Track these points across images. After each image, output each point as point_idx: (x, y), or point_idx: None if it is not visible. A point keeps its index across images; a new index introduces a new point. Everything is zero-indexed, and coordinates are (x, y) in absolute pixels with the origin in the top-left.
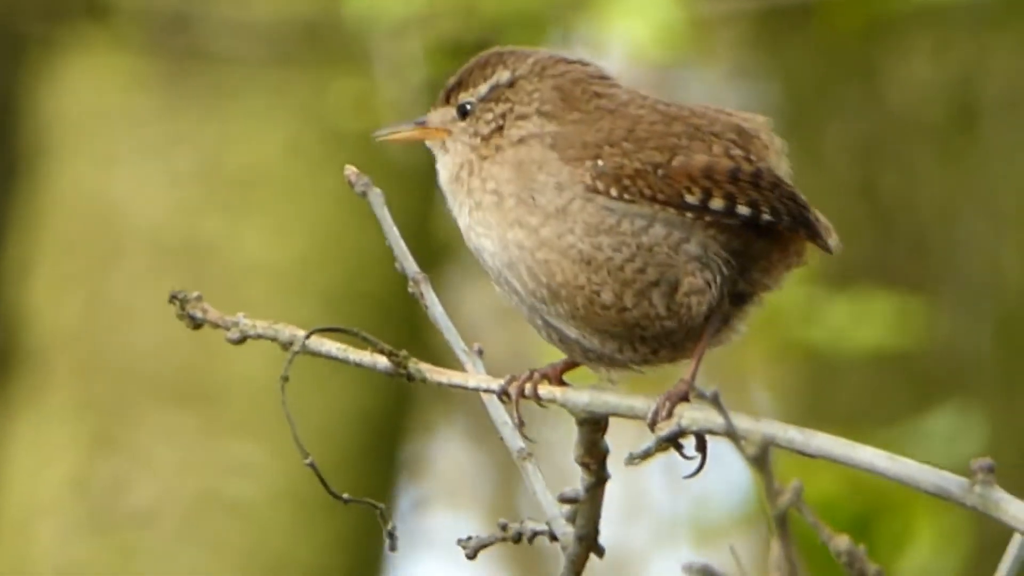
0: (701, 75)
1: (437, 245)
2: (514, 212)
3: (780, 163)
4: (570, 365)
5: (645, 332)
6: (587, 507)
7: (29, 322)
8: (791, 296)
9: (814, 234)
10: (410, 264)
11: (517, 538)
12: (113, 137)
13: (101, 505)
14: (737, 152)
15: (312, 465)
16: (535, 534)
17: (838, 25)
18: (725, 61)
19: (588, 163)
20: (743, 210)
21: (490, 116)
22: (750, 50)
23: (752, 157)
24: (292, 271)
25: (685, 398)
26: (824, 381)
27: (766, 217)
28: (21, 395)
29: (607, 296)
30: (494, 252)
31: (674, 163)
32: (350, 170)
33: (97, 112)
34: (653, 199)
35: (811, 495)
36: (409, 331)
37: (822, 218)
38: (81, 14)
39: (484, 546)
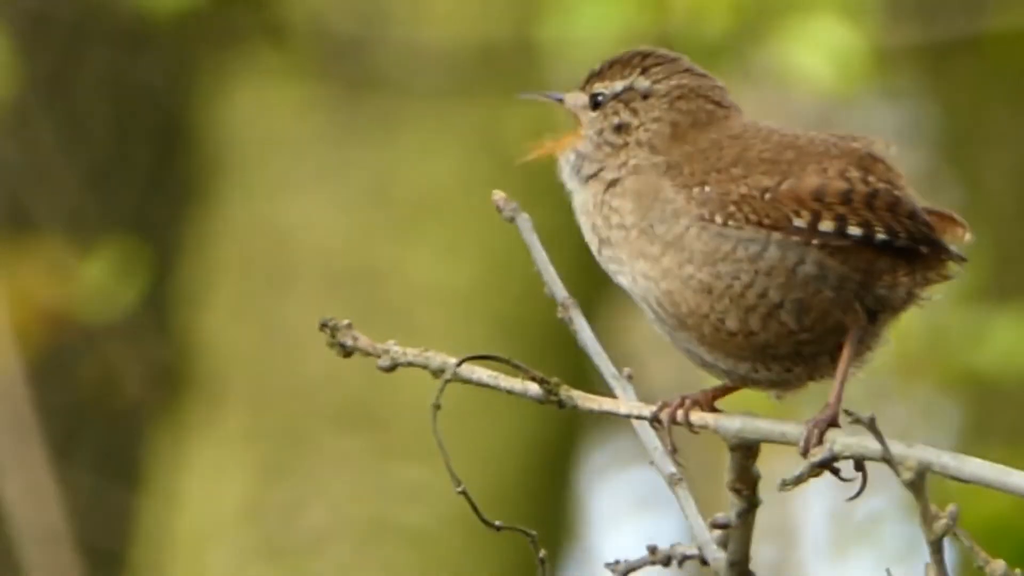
0: (860, 98)
1: None
2: (637, 243)
3: (904, 185)
4: (722, 391)
5: (777, 351)
6: (739, 532)
7: (203, 347)
8: (954, 319)
9: (939, 250)
10: (559, 289)
11: (667, 561)
12: (285, 162)
13: (274, 530)
14: (854, 174)
15: (464, 493)
16: (685, 558)
17: (1008, 59)
18: (884, 83)
19: (695, 190)
20: (854, 231)
21: (617, 122)
22: (910, 73)
23: (870, 179)
24: (464, 296)
25: (834, 422)
26: (985, 402)
27: (880, 236)
28: (194, 420)
29: (732, 323)
30: (629, 287)
31: (783, 187)
32: (498, 195)
33: (270, 137)
34: (759, 224)
35: (981, 517)
36: (579, 356)
37: (956, 215)
38: (256, 38)
39: (633, 569)
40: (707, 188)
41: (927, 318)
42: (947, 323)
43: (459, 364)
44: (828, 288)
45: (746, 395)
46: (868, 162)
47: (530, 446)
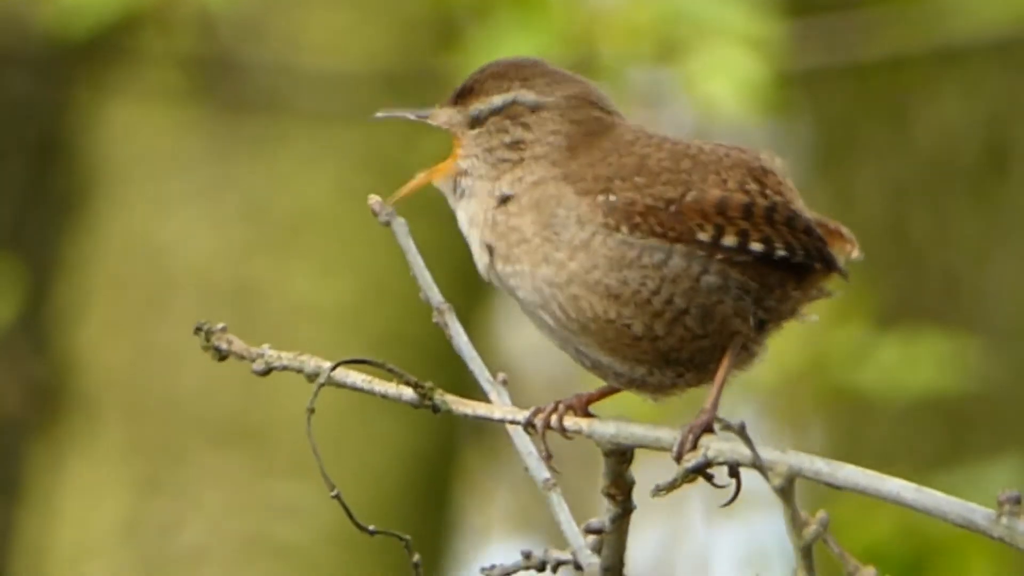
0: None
1: None
2: (541, 250)
3: (795, 197)
4: (597, 396)
5: (679, 355)
6: (613, 538)
7: (79, 364)
8: (839, 338)
9: (831, 267)
10: (435, 294)
11: (541, 567)
12: (162, 180)
13: (150, 547)
14: (752, 187)
15: (338, 497)
16: (559, 563)
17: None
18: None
19: (600, 197)
20: (756, 247)
21: (507, 139)
22: (786, 92)
23: (768, 192)
24: (341, 313)
25: (709, 428)
26: (856, 423)
27: (780, 253)
28: (72, 437)
29: (638, 328)
30: (528, 298)
31: (687, 199)
32: (374, 200)
33: (147, 155)
34: (664, 236)
35: (864, 536)
36: (458, 369)
37: (844, 230)
38: (132, 58)
39: (507, 574)
40: (612, 197)
41: (807, 336)
42: (827, 340)
43: (334, 368)
44: (729, 297)
45: (620, 400)
46: (759, 173)
47: (409, 457)
